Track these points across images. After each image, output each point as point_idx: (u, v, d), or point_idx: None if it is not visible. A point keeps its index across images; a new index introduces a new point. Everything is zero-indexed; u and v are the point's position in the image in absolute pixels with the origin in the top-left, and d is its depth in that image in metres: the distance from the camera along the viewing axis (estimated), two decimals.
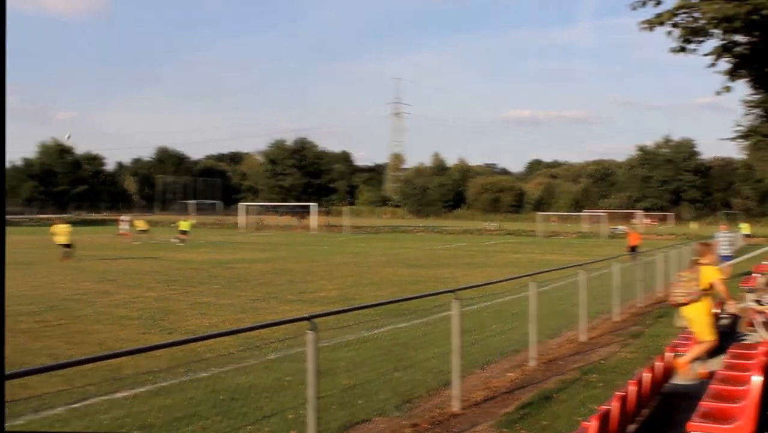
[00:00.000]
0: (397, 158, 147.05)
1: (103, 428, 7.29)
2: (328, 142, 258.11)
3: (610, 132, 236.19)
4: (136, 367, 9.42)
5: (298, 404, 7.23)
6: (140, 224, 48.22)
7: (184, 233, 43.23)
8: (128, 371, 9.22)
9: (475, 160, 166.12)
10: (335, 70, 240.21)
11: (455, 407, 8.16)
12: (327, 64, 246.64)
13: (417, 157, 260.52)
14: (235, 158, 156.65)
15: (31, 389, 7.90)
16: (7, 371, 4.27)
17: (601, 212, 76.64)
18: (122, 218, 51.38)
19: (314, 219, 73.01)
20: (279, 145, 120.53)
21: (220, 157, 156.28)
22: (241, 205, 79.67)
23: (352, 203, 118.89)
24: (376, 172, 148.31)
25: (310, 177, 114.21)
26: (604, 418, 5.10)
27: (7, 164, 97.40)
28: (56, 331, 12.96)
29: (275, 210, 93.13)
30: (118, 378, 8.89)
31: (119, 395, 8.42)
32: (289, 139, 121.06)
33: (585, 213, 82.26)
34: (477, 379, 9.52)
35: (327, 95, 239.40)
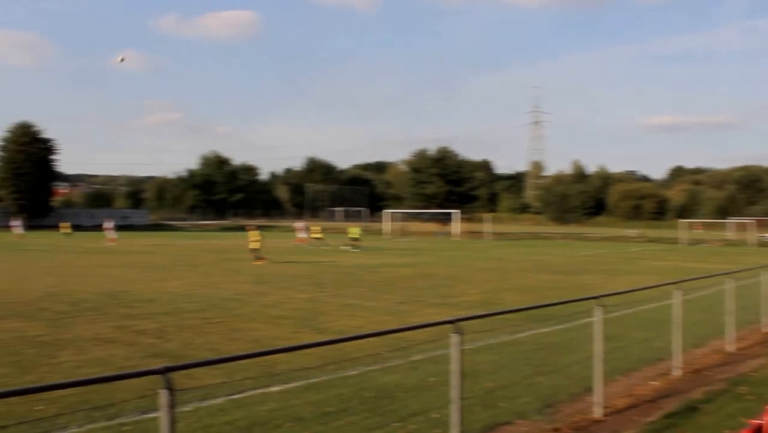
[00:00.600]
0: (537, 166, 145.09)
1: (259, 418, 7.82)
2: (470, 151, 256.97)
3: (757, 137, 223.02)
4: (289, 363, 9.96)
5: (442, 404, 7.43)
6: (315, 230, 50.31)
7: (355, 239, 44.55)
8: (282, 367, 9.76)
9: (615, 167, 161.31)
10: (476, 80, 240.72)
11: (597, 413, 8.17)
12: (468, 74, 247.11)
13: (557, 164, 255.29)
14: (380, 167, 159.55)
15: (197, 380, 8.57)
16: (176, 363, 4.79)
17: (748, 219, 72.39)
18: (297, 224, 53.66)
19: (456, 226, 73.20)
20: (422, 155, 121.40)
21: (366, 167, 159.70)
22: (386, 212, 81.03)
23: (493, 211, 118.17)
24: (516, 180, 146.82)
25: (452, 185, 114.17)
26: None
27: (174, 175, 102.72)
28: (217, 328, 13.84)
29: (419, 217, 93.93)
30: (273, 373, 9.45)
31: (274, 388, 8.96)
32: (432, 148, 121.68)
33: (731, 220, 77.99)
34: (619, 386, 9.43)
35: (468, 105, 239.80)
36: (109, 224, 52.39)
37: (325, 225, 67.56)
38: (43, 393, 8.17)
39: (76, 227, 67.11)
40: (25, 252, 38.40)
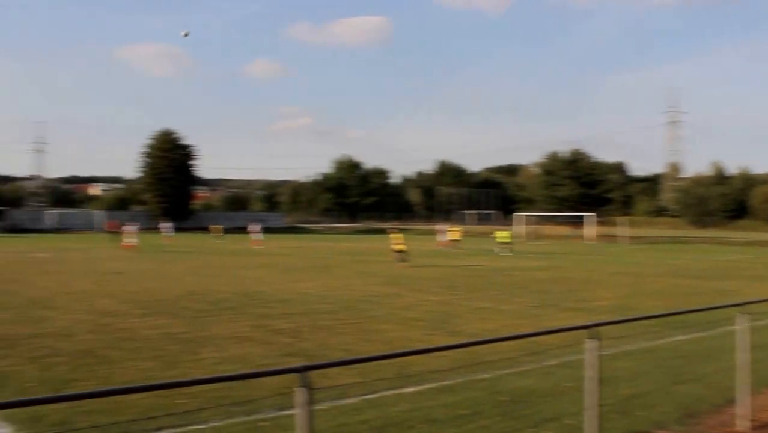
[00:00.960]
0: (674, 167, 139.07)
1: (393, 419, 7.88)
2: (603, 153, 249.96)
3: None
4: (422, 365, 9.98)
5: (577, 411, 7.26)
6: (455, 233, 49.94)
7: (505, 243, 43.69)
8: (415, 369, 9.79)
9: (759, 167, 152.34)
10: (609, 80, 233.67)
11: (742, 426, 7.74)
12: (600, 74, 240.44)
13: (695, 165, 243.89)
14: (512, 170, 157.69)
15: (332, 379, 8.73)
16: (313, 363, 4.89)
17: None
18: (439, 227, 53.77)
19: (590, 229, 71.41)
20: (554, 157, 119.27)
21: (497, 169, 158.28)
22: (517, 215, 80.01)
23: (628, 214, 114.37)
24: (652, 182, 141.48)
25: (585, 187, 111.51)
26: None
27: (308, 179, 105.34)
28: (350, 328, 14.07)
29: (551, 220, 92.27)
30: (406, 374, 9.50)
31: (407, 390, 9.01)
32: (564, 150, 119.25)
33: None
34: (767, 399, 8.94)
35: (601, 105, 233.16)
36: (255, 227, 54.25)
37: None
38: (185, 387, 8.57)
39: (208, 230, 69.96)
40: (171, 254, 40.33)
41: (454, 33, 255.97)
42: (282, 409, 7.60)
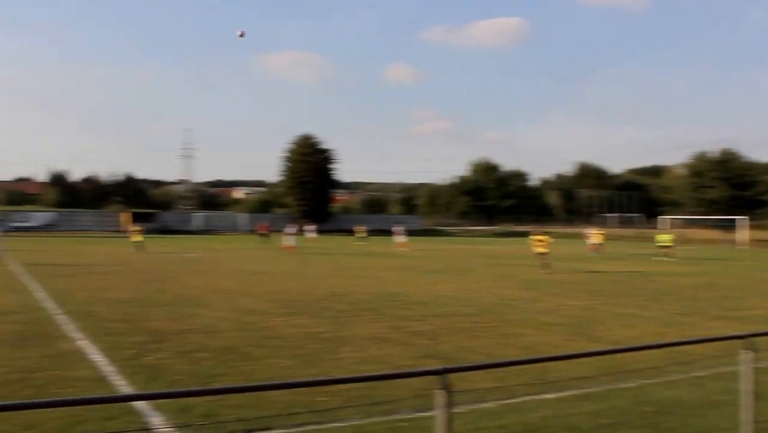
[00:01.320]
0: None
1: (532, 425, 7.73)
2: (757, 153, 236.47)
3: None
4: (561, 371, 9.74)
5: (730, 426, 6.89)
6: (596, 237, 48.48)
7: (666, 247, 41.73)
8: (554, 375, 9.56)
9: None
10: (761, 76, 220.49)
11: None
12: (752, 70, 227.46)
13: None
14: (655, 171, 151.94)
15: (470, 383, 8.65)
16: (451, 365, 4.86)
17: None
18: (587, 231, 52.59)
19: (742, 233, 67.85)
20: (702, 157, 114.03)
21: (640, 171, 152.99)
22: (662, 218, 77.00)
23: None
24: None
25: (736, 189, 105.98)
26: None
27: (445, 182, 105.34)
28: (488, 332, 13.93)
29: (699, 223, 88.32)
30: (546, 380, 9.31)
31: (547, 396, 8.81)
32: (713, 150, 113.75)
33: None
34: None
35: (754, 103, 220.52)
36: (399, 229, 54.91)
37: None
38: (326, 386, 8.74)
39: (349, 232, 71.21)
40: (313, 255, 41.40)
41: (593, 31, 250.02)
42: (420, 410, 7.61)
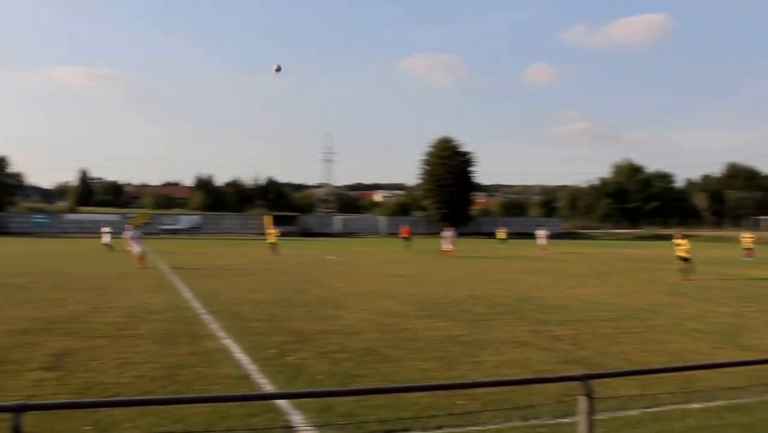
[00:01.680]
0: None
1: None
2: None
3: None
4: (708, 380, 9.43)
5: None
6: (747, 240, 46.16)
7: None
8: (701, 384, 9.26)
9: None
10: None
11: None
12: None
13: None
14: None
15: (612, 389, 8.53)
16: (592, 371, 4.83)
17: None
18: (743, 234, 50.04)
19: None
20: None
21: None
22: None
23: None
24: None
25: None
26: None
27: (586, 184, 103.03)
28: (631, 338, 13.58)
29: None
30: (692, 389, 9.01)
31: (693, 405, 8.53)
32: None
33: None
34: None
35: None
36: (541, 232, 54.24)
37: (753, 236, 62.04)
38: (464, 389, 8.81)
39: (489, 235, 70.63)
40: (453, 258, 41.52)
41: (743, 25, 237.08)
42: (560, 416, 7.57)
